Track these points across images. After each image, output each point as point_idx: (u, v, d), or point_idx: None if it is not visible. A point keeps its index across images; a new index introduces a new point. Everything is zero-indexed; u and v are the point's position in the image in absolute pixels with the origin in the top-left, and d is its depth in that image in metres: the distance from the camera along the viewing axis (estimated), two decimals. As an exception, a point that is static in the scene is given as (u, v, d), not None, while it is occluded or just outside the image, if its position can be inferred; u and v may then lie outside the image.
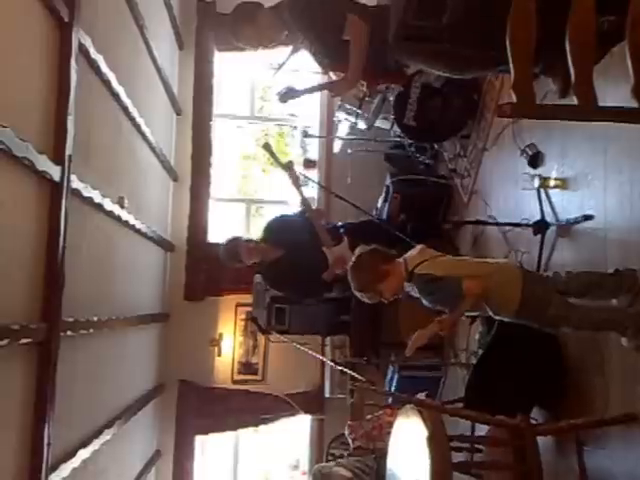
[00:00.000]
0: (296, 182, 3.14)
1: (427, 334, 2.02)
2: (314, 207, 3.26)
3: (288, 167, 3.25)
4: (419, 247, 2.22)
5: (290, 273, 3.26)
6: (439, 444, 1.99)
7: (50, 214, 2.52)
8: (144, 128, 4.05)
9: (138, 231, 4.07)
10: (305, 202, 3.18)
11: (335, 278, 3.25)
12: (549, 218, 2.90)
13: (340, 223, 3.43)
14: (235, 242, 3.32)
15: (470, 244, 4.04)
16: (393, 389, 4.34)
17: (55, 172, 2.51)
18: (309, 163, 4.71)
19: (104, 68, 3.10)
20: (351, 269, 2.16)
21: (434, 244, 2.27)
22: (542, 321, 2.02)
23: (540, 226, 2.88)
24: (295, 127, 4.62)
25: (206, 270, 5.21)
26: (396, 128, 4.48)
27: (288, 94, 2.40)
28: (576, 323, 2.00)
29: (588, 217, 2.54)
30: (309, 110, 5.64)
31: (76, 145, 2.67)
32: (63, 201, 2.57)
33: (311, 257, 3.25)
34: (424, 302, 2.09)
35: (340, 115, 4.64)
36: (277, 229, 3.35)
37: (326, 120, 5.50)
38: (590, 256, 2.45)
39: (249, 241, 3.33)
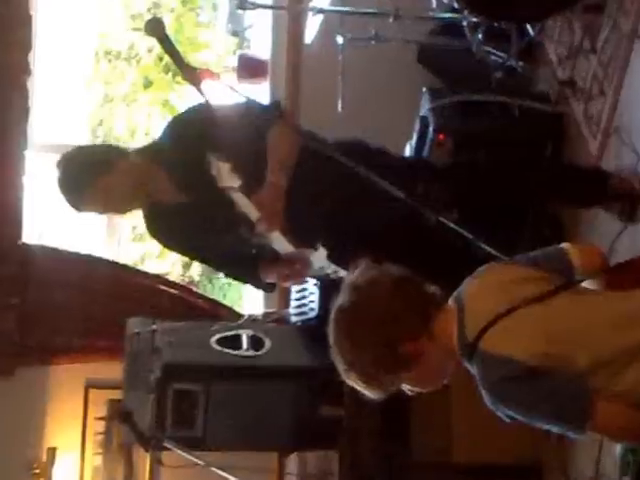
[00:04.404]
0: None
1: None
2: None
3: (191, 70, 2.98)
4: (485, 268, 1.82)
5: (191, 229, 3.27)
6: None
7: None
8: None
9: None
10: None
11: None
12: None
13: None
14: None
15: (611, 243, 3.38)
16: None
17: None
18: (251, 65, 4.11)
19: None
20: (342, 322, 1.75)
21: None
22: None
23: None
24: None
25: (20, 306, 4.43)
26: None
27: None
28: None
29: None
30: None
31: None
32: None
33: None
34: (500, 414, 1.76)
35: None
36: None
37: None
38: None
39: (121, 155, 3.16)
